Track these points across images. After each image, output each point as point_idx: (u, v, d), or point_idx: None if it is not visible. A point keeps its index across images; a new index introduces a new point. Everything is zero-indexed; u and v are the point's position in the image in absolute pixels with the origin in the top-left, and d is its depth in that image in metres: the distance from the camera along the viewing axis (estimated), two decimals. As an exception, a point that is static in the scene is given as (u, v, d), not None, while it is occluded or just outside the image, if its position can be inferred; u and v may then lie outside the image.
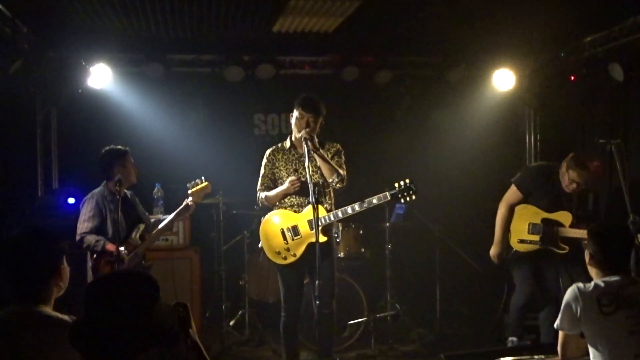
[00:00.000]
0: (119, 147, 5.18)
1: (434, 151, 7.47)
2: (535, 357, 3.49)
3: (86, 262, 4.93)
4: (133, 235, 5.01)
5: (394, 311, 6.32)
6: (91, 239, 4.83)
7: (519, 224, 5.16)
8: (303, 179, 4.70)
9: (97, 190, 5.08)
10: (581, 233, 4.84)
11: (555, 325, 3.16)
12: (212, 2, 5.52)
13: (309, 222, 4.68)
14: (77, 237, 4.88)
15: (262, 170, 4.95)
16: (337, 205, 4.83)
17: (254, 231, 5.95)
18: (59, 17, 5.80)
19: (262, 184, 4.92)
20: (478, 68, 7.20)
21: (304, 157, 4.64)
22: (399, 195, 4.63)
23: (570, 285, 3.16)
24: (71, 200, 6.21)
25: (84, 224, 4.92)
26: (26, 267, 2.44)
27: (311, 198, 4.32)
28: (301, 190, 4.74)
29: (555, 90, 7.10)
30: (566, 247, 5.02)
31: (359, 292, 5.93)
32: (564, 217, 5.05)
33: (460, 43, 6.89)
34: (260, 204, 5.00)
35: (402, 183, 4.63)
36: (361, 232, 6.35)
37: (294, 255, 4.73)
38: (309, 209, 4.70)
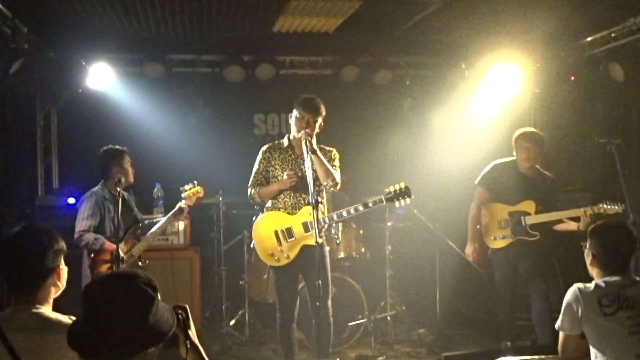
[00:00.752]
0: (117, 147, 5.19)
1: (434, 151, 7.47)
2: (535, 357, 3.48)
3: (81, 261, 4.93)
4: (130, 235, 5.02)
5: (394, 311, 6.32)
6: (90, 237, 4.85)
7: (489, 223, 5.34)
8: (299, 174, 4.69)
9: (95, 189, 5.09)
10: (547, 216, 5.10)
11: (555, 326, 3.15)
12: (212, 2, 5.52)
13: (304, 224, 4.67)
14: (76, 235, 4.88)
15: (255, 166, 4.91)
16: (336, 207, 4.82)
17: (254, 231, 5.95)
18: (59, 17, 5.79)
19: (254, 180, 4.89)
20: (478, 68, 7.20)
21: (301, 157, 4.67)
22: (394, 200, 4.65)
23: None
24: (71, 200, 6.20)
25: (82, 222, 4.93)
26: (24, 267, 2.41)
27: (311, 198, 4.29)
28: (295, 190, 4.74)
29: (555, 90, 7.10)
30: (536, 233, 5.14)
31: (359, 292, 5.93)
32: (528, 206, 5.20)
33: (460, 43, 6.89)
34: (251, 200, 4.95)
35: (397, 187, 4.65)
36: (361, 232, 6.35)
37: (288, 257, 4.70)
38: (303, 211, 4.70)
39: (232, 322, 6.40)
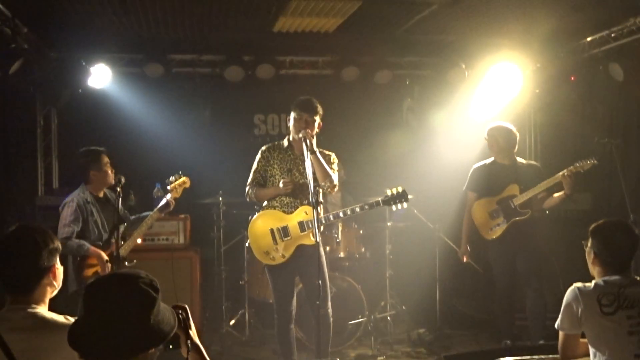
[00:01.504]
0: (93, 148, 5.09)
1: (434, 151, 7.46)
2: (535, 357, 3.48)
3: (66, 265, 4.86)
4: (115, 237, 4.94)
5: (394, 311, 6.32)
6: (73, 244, 4.75)
7: (481, 218, 5.60)
8: (296, 180, 4.74)
9: (75, 192, 4.98)
10: (532, 192, 5.35)
11: (555, 326, 3.15)
12: (212, 2, 5.52)
13: (300, 223, 4.70)
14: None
15: (254, 166, 4.95)
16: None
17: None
18: (59, 17, 5.79)
19: (253, 180, 4.93)
20: (478, 68, 7.19)
21: (300, 158, 4.70)
22: (391, 203, 4.70)
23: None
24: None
25: (64, 229, 4.81)
26: (18, 266, 2.39)
27: (311, 198, 4.31)
28: (294, 191, 4.76)
29: (555, 90, 7.10)
30: (527, 210, 5.39)
31: (359, 292, 5.92)
32: (512, 189, 5.48)
33: (460, 43, 6.89)
34: (248, 199, 4.98)
35: (394, 191, 4.70)
36: (361, 232, 6.35)
37: (283, 256, 4.72)
38: (299, 210, 4.73)
39: (232, 322, 6.40)
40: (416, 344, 6.19)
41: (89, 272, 4.80)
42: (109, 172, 5.04)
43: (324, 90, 7.08)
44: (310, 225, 4.61)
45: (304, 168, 4.69)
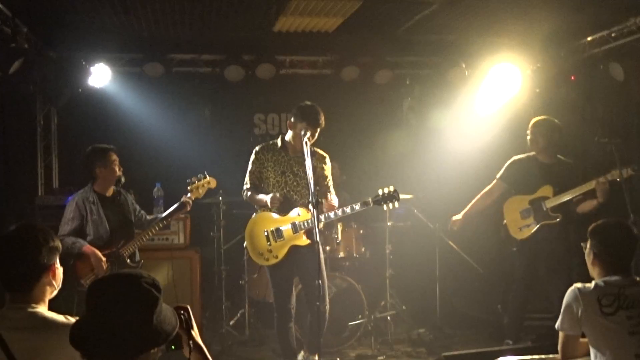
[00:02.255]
0: (102, 145, 5.07)
1: (434, 151, 7.47)
2: (535, 357, 3.48)
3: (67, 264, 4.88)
4: (117, 239, 4.95)
5: (394, 311, 6.32)
6: (68, 241, 4.77)
7: (512, 216, 5.43)
8: (290, 183, 4.81)
9: (80, 191, 5.01)
10: (564, 196, 5.17)
11: (556, 326, 3.16)
12: (212, 2, 5.52)
13: (292, 224, 4.76)
14: None
15: (249, 167, 4.98)
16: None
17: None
18: (59, 17, 5.79)
19: (248, 181, 4.98)
20: (478, 68, 7.19)
21: (294, 160, 4.79)
22: (382, 203, 4.70)
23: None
24: (71, 200, 6.20)
25: (63, 227, 4.87)
26: (18, 263, 2.39)
27: (311, 198, 4.31)
28: (287, 192, 4.82)
29: (555, 90, 7.10)
30: (558, 215, 5.23)
31: (359, 292, 5.92)
32: (545, 190, 5.31)
33: (460, 43, 6.89)
34: (244, 199, 5.04)
35: (385, 190, 4.70)
36: (361, 231, 6.35)
37: (276, 257, 4.78)
38: (292, 212, 4.79)
39: (232, 322, 6.40)
40: (416, 344, 6.18)
41: (85, 270, 4.79)
42: (116, 169, 5.04)
43: (324, 90, 7.08)
44: (303, 227, 4.71)
45: (298, 169, 4.75)
